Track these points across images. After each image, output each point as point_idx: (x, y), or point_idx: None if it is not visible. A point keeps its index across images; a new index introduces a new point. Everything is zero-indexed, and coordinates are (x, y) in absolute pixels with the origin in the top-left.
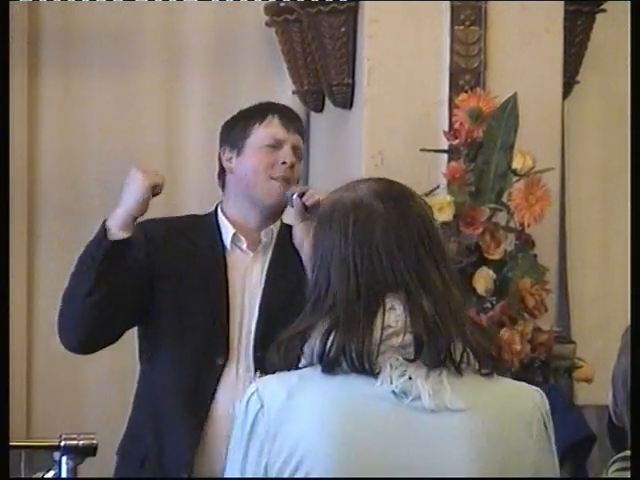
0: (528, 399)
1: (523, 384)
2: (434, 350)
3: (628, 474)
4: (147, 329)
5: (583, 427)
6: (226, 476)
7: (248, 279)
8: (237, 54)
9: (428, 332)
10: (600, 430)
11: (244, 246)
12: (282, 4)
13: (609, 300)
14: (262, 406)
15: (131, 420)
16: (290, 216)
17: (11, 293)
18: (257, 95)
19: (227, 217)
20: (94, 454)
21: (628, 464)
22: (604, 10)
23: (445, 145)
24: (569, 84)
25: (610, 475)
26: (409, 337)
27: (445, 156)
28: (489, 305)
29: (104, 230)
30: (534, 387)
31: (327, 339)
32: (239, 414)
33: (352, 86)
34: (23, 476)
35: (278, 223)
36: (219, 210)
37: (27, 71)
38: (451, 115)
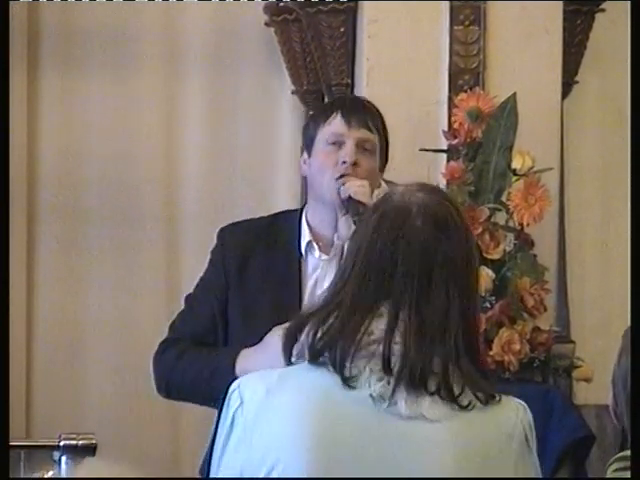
0: (510, 412)
1: (507, 398)
2: (411, 370)
3: (627, 474)
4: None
5: (582, 427)
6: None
7: (320, 285)
8: (237, 54)
9: (407, 352)
10: (599, 430)
11: (316, 253)
12: (281, 4)
13: (609, 300)
14: (241, 403)
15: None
16: None
17: (11, 293)
18: (257, 95)
19: (307, 219)
20: (94, 454)
21: (627, 464)
22: (603, 10)
23: (444, 145)
24: (568, 84)
25: (609, 475)
26: (396, 348)
27: (444, 156)
28: (488, 305)
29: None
30: (517, 400)
31: (321, 326)
32: (222, 411)
33: (351, 86)
34: (23, 476)
35: None
36: (304, 211)
37: (27, 71)
38: (450, 115)
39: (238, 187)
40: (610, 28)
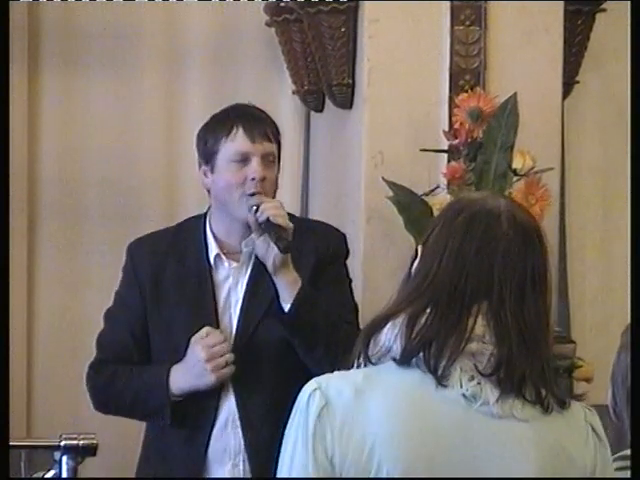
0: (581, 416)
1: (574, 402)
2: (509, 373)
3: (627, 473)
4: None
5: None
6: (283, 473)
7: (233, 294)
8: (237, 54)
9: (509, 354)
10: None
11: (225, 264)
12: (282, 4)
13: (609, 300)
14: (327, 403)
15: (143, 445)
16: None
17: (11, 293)
18: (257, 95)
19: (212, 229)
20: (94, 454)
21: (627, 463)
22: (604, 10)
23: (445, 145)
24: (569, 84)
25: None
26: (487, 348)
27: (445, 156)
28: None
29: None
30: (583, 404)
31: (415, 325)
32: (300, 411)
33: (352, 86)
34: (23, 476)
35: None
36: (207, 220)
37: (27, 71)
38: (451, 115)
39: None
40: (610, 28)
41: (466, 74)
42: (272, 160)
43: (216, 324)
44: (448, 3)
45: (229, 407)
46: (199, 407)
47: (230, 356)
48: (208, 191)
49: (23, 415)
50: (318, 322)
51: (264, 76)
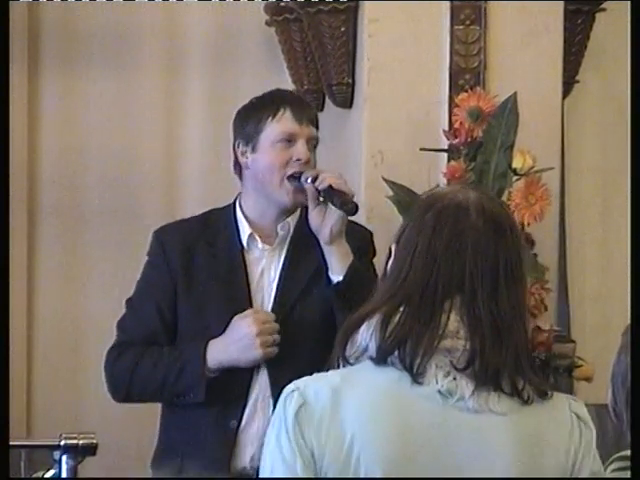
0: (564, 406)
1: (558, 393)
2: (483, 366)
3: (627, 474)
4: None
5: None
6: (266, 475)
7: (266, 276)
8: (237, 54)
9: (482, 348)
10: (600, 430)
11: (259, 245)
12: (282, 4)
13: (609, 299)
14: (305, 402)
15: (162, 432)
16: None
17: (11, 293)
18: (257, 94)
19: (244, 212)
20: (94, 454)
21: (626, 464)
22: (604, 10)
23: (445, 144)
24: (569, 84)
25: (608, 475)
26: (461, 343)
27: (445, 155)
28: None
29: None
30: (568, 395)
31: (388, 324)
32: (278, 414)
33: (352, 86)
34: (23, 476)
35: (297, 213)
36: (237, 204)
37: (27, 71)
38: (451, 115)
39: (238, 186)
40: (610, 28)
41: (466, 74)
42: (315, 145)
43: (249, 304)
44: (448, 3)
45: (260, 386)
46: (231, 385)
47: (277, 337)
48: (239, 174)
49: (23, 415)
50: (364, 298)
51: (264, 76)
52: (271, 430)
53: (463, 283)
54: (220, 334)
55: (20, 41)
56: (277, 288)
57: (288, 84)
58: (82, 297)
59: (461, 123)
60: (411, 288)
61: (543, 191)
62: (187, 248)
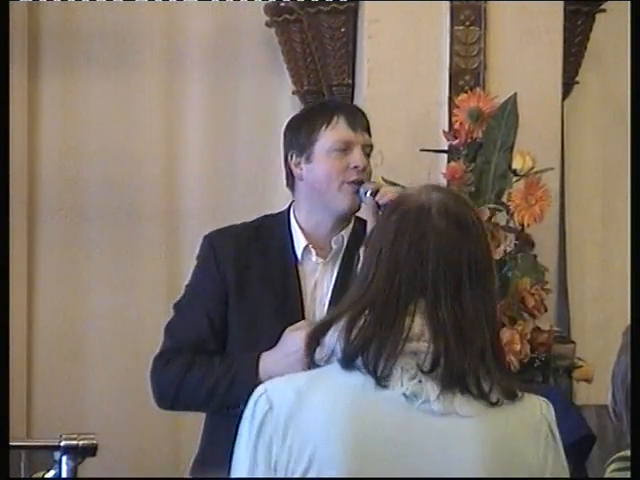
0: (535, 408)
1: (529, 395)
2: (448, 368)
3: (627, 474)
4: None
5: (583, 427)
6: (233, 476)
7: (319, 288)
8: (237, 54)
9: (446, 350)
10: (600, 430)
11: (313, 258)
12: (282, 4)
13: (609, 300)
14: (271, 407)
15: (207, 433)
16: (365, 212)
17: (11, 293)
18: (257, 95)
19: (299, 223)
20: (94, 454)
21: (626, 464)
22: (604, 10)
23: (445, 145)
24: (569, 84)
25: (608, 475)
26: (424, 346)
27: (445, 156)
28: None
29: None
30: (539, 397)
31: (353, 328)
32: (246, 415)
33: (352, 86)
34: (23, 476)
35: (350, 226)
36: (291, 214)
37: (27, 71)
38: (451, 115)
39: (238, 187)
40: (610, 28)
41: (466, 74)
42: (369, 153)
43: (301, 317)
44: (448, 3)
45: None
46: None
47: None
48: (291, 186)
49: (23, 415)
50: None
51: (264, 76)
52: (239, 436)
53: (426, 286)
54: (271, 346)
55: (20, 41)
56: (330, 302)
57: (288, 85)
58: (82, 297)
59: (461, 124)
60: (375, 292)
61: (543, 192)
62: (239, 256)
